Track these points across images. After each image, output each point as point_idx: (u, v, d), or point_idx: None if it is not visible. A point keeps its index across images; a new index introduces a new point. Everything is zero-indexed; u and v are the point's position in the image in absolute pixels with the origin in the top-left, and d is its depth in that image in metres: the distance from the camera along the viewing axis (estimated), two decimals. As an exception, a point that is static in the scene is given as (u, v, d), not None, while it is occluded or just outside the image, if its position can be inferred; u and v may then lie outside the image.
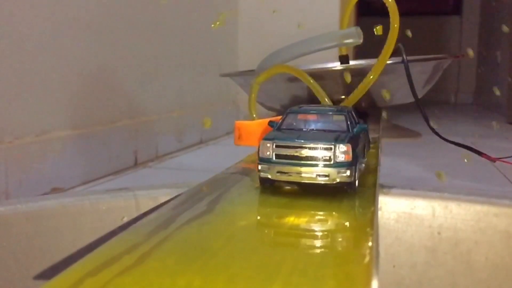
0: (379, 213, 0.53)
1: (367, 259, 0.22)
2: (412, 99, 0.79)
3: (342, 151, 0.31)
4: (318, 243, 0.26)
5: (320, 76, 0.79)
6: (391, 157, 0.94)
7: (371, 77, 0.42)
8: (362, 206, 0.31)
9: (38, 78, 0.71)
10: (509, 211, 0.51)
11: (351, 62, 0.83)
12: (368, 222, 0.27)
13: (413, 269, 0.53)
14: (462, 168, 0.87)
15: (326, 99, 0.41)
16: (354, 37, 0.55)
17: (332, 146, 0.31)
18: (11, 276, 0.45)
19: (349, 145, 0.31)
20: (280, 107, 0.92)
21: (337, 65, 0.80)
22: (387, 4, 0.41)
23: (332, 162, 0.31)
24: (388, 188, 0.54)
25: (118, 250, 0.23)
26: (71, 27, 0.77)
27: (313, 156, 0.31)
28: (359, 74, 0.73)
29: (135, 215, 0.52)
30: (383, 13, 0.43)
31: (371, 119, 0.64)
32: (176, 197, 0.33)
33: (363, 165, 0.37)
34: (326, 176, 0.31)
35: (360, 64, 0.91)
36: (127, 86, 0.93)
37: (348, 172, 0.31)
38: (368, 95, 0.60)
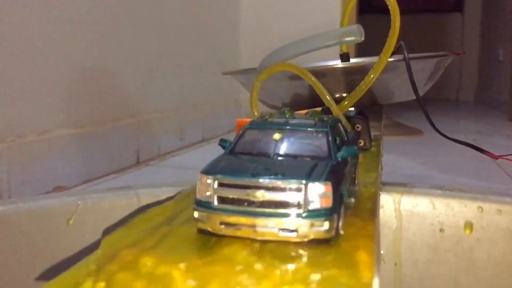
0: (381, 211, 0.53)
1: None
2: (413, 97, 0.79)
3: (317, 193, 0.21)
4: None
5: (321, 74, 0.79)
6: (393, 155, 0.94)
7: (372, 75, 0.42)
8: (352, 263, 0.20)
9: (40, 77, 0.71)
10: (511, 208, 0.50)
11: (353, 60, 0.83)
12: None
13: (415, 267, 0.53)
14: (464, 166, 0.87)
15: (328, 97, 0.41)
16: (355, 35, 0.55)
17: (303, 186, 0.21)
18: (13, 275, 0.45)
19: (329, 184, 0.21)
20: (281, 105, 0.92)
21: (338, 63, 0.80)
22: (387, 3, 0.40)
23: (302, 210, 0.21)
24: (390, 185, 0.54)
25: (120, 247, 0.23)
26: (72, 27, 0.77)
27: (274, 201, 0.21)
28: (361, 72, 0.73)
29: (137, 213, 0.52)
30: (384, 11, 0.43)
31: (373, 117, 0.64)
32: (177, 194, 0.33)
33: (353, 200, 0.27)
34: (293, 231, 0.21)
35: (361, 62, 0.91)
36: (129, 85, 0.93)
37: (326, 225, 0.21)
38: (369, 93, 0.60)
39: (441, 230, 0.52)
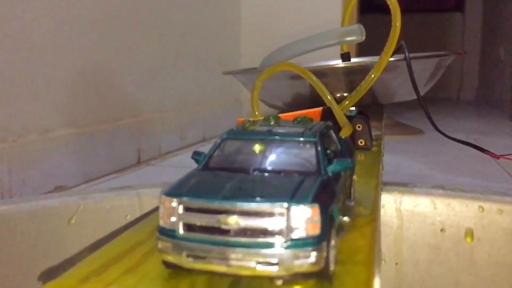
0: (382, 210, 0.53)
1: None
2: (414, 96, 0.79)
3: (303, 219, 0.17)
4: None
5: (322, 73, 0.79)
6: (394, 154, 0.94)
7: (373, 75, 0.42)
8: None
9: (41, 77, 0.71)
10: (512, 208, 0.50)
11: (354, 60, 0.83)
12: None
13: (416, 267, 0.53)
14: (465, 165, 0.87)
15: (329, 97, 0.41)
16: (356, 34, 0.55)
17: (284, 210, 0.17)
18: (14, 274, 0.45)
19: (316, 206, 0.18)
20: (282, 104, 0.92)
21: (339, 63, 0.80)
22: (388, 2, 0.40)
23: (284, 239, 0.18)
24: (391, 185, 0.54)
25: (122, 248, 0.23)
26: (73, 26, 0.77)
27: (250, 229, 0.18)
28: (362, 71, 0.73)
29: (138, 213, 0.52)
30: (385, 11, 0.43)
31: (374, 116, 0.64)
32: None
33: (347, 219, 0.22)
34: (273, 264, 0.17)
35: (362, 62, 0.91)
36: (130, 84, 0.93)
37: (313, 256, 0.17)
38: (370, 92, 0.59)
39: (442, 230, 0.52)
